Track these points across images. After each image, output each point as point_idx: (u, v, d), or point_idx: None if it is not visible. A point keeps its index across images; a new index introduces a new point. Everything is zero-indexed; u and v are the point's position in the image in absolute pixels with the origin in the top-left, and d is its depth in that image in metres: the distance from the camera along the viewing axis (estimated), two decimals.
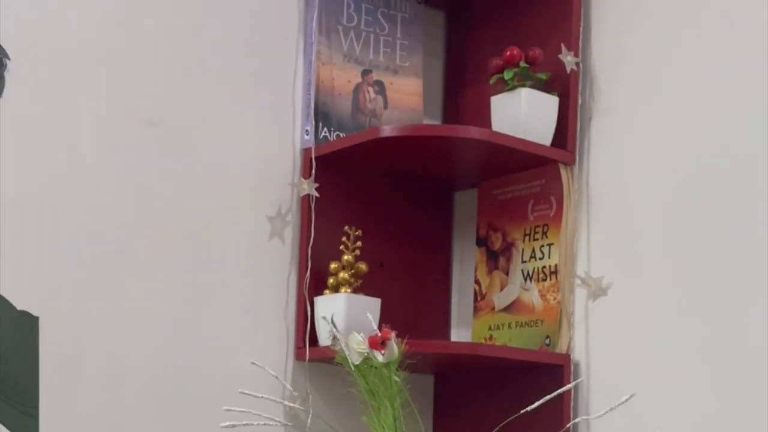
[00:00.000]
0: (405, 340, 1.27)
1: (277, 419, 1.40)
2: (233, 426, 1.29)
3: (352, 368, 1.28)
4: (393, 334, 1.24)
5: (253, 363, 1.47)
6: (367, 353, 1.26)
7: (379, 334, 1.25)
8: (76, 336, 1.57)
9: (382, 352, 1.24)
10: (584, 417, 1.40)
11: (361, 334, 1.27)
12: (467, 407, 1.88)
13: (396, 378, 1.27)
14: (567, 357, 1.73)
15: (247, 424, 1.35)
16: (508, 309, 1.83)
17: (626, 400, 1.30)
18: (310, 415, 1.75)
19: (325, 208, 1.78)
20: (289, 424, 1.62)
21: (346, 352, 1.26)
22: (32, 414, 1.51)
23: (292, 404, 1.52)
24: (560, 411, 1.69)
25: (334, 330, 1.28)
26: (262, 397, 1.41)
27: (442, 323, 1.94)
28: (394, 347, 1.25)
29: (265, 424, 1.29)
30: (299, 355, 1.76)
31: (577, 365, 1.73)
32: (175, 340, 1.66)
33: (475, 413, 1.85)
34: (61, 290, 1.56)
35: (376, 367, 1.28)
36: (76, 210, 1.59)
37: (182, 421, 1.66)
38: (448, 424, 1.89)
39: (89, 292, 1.59)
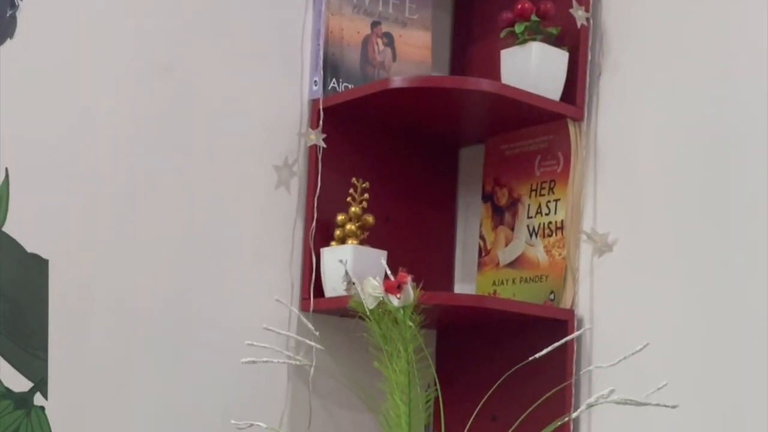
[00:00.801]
0: (420, 285, 1.30)
1: (298, 358, 1.43)
2: (253, 362, 1.32)
3: (367, 313, 1.31)
4: (409, 278, 1.27)
5: (267, 327, 1.49)
6: (383, 298, 1.29)
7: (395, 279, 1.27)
8: (86, 279, 1.58)
9: (398, 296, 1.27)
10: (597, 365, 1.42)
11: (377, 278, 1.29)
12: (469, 362, 1.91)
13: (410, 323, 1.29)
14: (571, 312, 1.76)
15: (267, 361, 1.37)
16: (512, 264, 1.86)
17: (641, 349, 1.33)
18: (313, 367, 1.79)
19: (332, 160, 1.80)
20: (311, 363, 1.65)
21: (361, 297, 1.29)
22: (41, 357, 1.53)
23: (297, 360, 1.54)
24: (563, 366, 1.72)
25: (350, 274, 1.31)
26: (268, 347, 1.44)
27: (446, 278, 1.97)
28: (410, 291, 1.27)
29: (284, 362, 1.31)
30: (304, 306, 1.79)
31: (581, 321, 1.76)
32: (181, 285, 1.68)
33: (477, 368, 1.88)
34: (70, 233, 1.57)
35: (390, 312, 1.30)
36: (86, 153, 1.60)
37: (188, 364, 1.68)
38: (450, 378, 1.92)
39: (99, 236, 1.60)
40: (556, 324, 1.75)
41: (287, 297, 1.79)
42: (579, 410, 1.37)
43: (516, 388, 1.75)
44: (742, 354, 1.56)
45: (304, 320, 1.44)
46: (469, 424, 1.58)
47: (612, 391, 1.28)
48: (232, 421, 1.56)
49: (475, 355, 1.90)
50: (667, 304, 1.67)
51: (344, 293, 1.70)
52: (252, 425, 1.49)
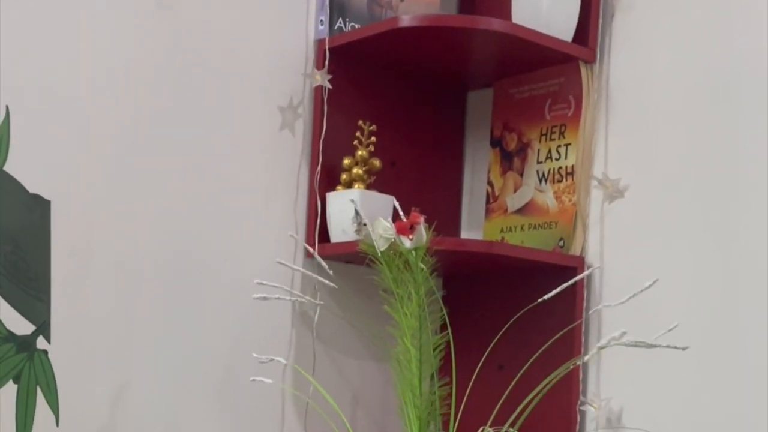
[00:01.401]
0: (433, 226, 1.29)
1: (307, 297, 1.43)
2: (265, 298, 1.31)
3: (378, 255, 1.30)
4: (422, 219, 1.26)
5: (280, 261, 1.49)
6: (394, 239, 1.28)
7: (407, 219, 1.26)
8: (89, 221, 1.57)
9: (410, 237, 1.26)
10: (606, 304, 1.42)
11: (388, 219, 1.28)
12: (476, 311, 1.90)
13: (422, 265, 1.29)
14: (581, 260, 1.75)
15: (278, 298, 1.37)
16: (521, 211, 1.85)
17: (650, 285, 1.33)
18: (318, 311, 1.78)
19: (337, 102, 1.78)
20: (321, 302, 1.65)
21: (372, 238, 1.28)
22: (43, 299, 1.52)
23: (306, 298, 1.54)
24: (572, 313, 1.72)
25: (361, 215, 1.29)
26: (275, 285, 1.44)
27: (453, 225, 1.96)
28: (423, 232, 1.26)
29: (294, 300, 1.31)
30: (309, 252, 1.78)
31: (590, 268, 1.76)
32: (184, 228, 1.67)
33: (484, 317, 1.88)
34: (73, 174, 1.56)
35: (401, 254, 1.29)
36: (88, 93, 1.58)
37: (191, 308, 1.67)
38: (457, 328, 1.92)
39: (102, 177, 1.59)
40: (566, 272, 1.74)
41: (292, 242, 1.78)
42: (590, 353, 1.36)
43: (523, 337, 1.75)
44: (752, 298, 1.56)
45: (316, 255, 1.43)
46: (475, 372, 1.58)
47: (624, 333, 1.27)
48: (254, 354, 1.56)
49: (483, 303, 1.89)
50: (678, 251, 1.66)
51: (350, 239, 1.70)
52: (272, 359, 1.49)
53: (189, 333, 1.67)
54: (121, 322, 1.60)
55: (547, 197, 1.81)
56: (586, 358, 1.41)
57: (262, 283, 1.38)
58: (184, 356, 1.67)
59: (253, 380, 1.52)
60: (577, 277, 1.43)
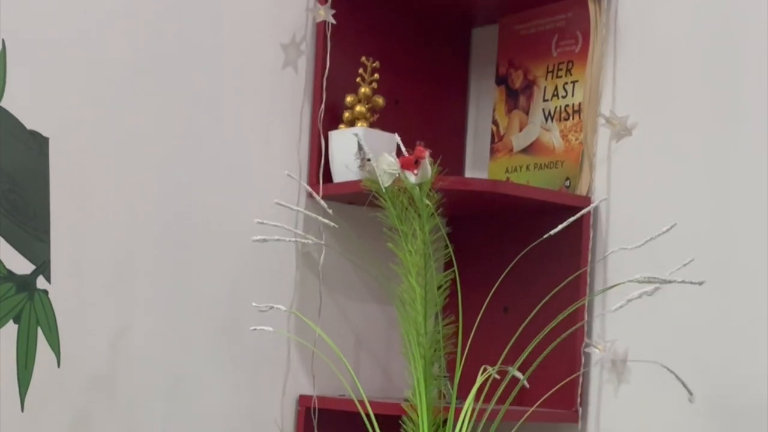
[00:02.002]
0: (438, 161, 1.28)
1: (309, 237, 1.42)
2: (264, 240, 1.31)
3: (382, 191, 1.29)
4: (427, 153, 1.24)
5: (278, 203, 1.47)
6: (398, 174, 1.27)
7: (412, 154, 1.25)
8: (88, 159, 1.56)
9: (415, 172, 1.25)
10: (622, 247, 1.41)
11: (392, 154, 1.27)
12: (480, 253, 1.90)
13: (427, 201, 1.28)
14: (587, 199, 1.75)
15: (278, 239, 1.36)
16: (526, 150, 1.84)
17: (667, 230, 1.32)
18: (323, 253, 1.78)
19: (341, 39, 1.76)
20: (322, 242, 1.65)
21: (377, 174, 1.27)
22: (43, 239, 1.52)
23: (308, 238, 1.53)
24: (578, 254, 1.72)
25: (364, 149, 1.28)
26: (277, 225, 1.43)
27: (457, 165, 1.96)
28: (428, 167, 1.25)
29: (296, 241, 1.30)
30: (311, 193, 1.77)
31: (597, 208, 1.75)
32: (185, 165, 1.67)
33: (488, 259, 1.88)
34: (71, 111, 1.55)
35: (406, 190, 1.28)
36: (88, 28, 1.56)
37: (193, 250, 1.67)
38: (462, 268, 1.91)
39: (101, 115, 1.57)
40: (572, 212, 1.72)
41: (294, 182, 1.77)
42: (602, 290, 1.35)
43: (529, 280, 1.75)
44: (761, 234, 1.56)
45: (314, 194, 1.42)
46: (480, 313, 1.58)
47: (657, 289, 1.27)
48: (253, 303, 1.55)
49: (487, 245, 1.89)
50: (686, 189, 1.65)
51: (353, 177, 1.69)
52: (272, 307, 1.49)
53: (190, 275, 1.67)
54: (122, 263, 1.60)
55: (553, 136, 1.79)
56: (597, 293, 1.40)
57: (262, 222, 1.37)
58: (186, 299, 1.67)
59: (254, 329, 1.52)
60: (584, 210, 1.42)
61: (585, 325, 1.72)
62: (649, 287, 1.26)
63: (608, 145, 1.75)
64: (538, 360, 1.38)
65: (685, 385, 1.37)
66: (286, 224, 1.60)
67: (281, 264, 1.77)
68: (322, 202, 1.40)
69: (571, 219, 1.39)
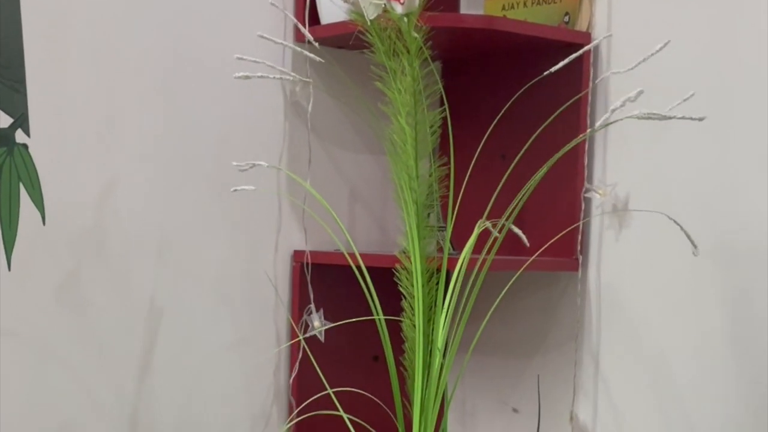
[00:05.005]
0: None
1: (292, 74, 1.42)
2: (247, 77, 1.31)
3: (367, 25, 1.29)
4: None
5: (261, 35, 1.47)
6: (385, 5, 1.26)
7: None
8: (63, 7, 1.55)
9: (401, 1, 1.24)
10: (614, 71, 1.42)
11: None
12: (477, 97, 1.91)
13: (415, 34, 1.28)
14: (587, 35, 1.75)
15: (262, 77, 1.37)
16: None
17: (661, 48, 1.32)
18: (311, 100, 1.79)
19: None
20: (309, 80, 1.65)
21: (361, 5, 1.26)
22: (19, 90, 1.52)
23: (292, 75, 1.53)
24: (578, 91, 1.73)
25: None
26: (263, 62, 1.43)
27: (452, 2, 1.95)
28: None
29: (281, 78, 1.30)
30: (299, 36, 1.77)
31: (598, 45, 1.75)
32: (166, 16, 1.66)
33: (485, 102, 1.89)
34: None
35: (394, 23, 1.28)
36: None
37: (179, 102, 1.68)
38: (458, 116, 1.92)
39: None
40: (572, 49, 1.71)
41: (280, 27, 1.76)
42: (601, 120, 1.36)
43: (527, 125, 1.76)
44: (765, 66, 1.56)
45: (301, 28, 1.42)
46: (475, 157, 1.59)
47: (640, 92, 1.27)
48: (233, 163, 1.57)
49: (483, 88, 1.90)
50: (693, 24, 1.64)
51: (342, 19, 1.68)
52: (254, 165, 1.50)
53: (177, 130, 1.68)
54: (104, 112, 1.61)
55: None
56: (598, 126, 1.41)
57: (241, 58, 1.37)
58: (173, 150, 1.68)
59: (235, 190, 1.54)
60: (585, 48, 1.42)
61: (585, 169, 1.74)
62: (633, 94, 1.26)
63: None
64: (524, 198, 1.40)
65: (689, 237, 1.39)
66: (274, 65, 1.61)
67: (269, 115, 1.78)
68: (308, 35, 1.39)
69: (572, 56, 1.39)
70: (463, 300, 1.39)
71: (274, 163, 1.79)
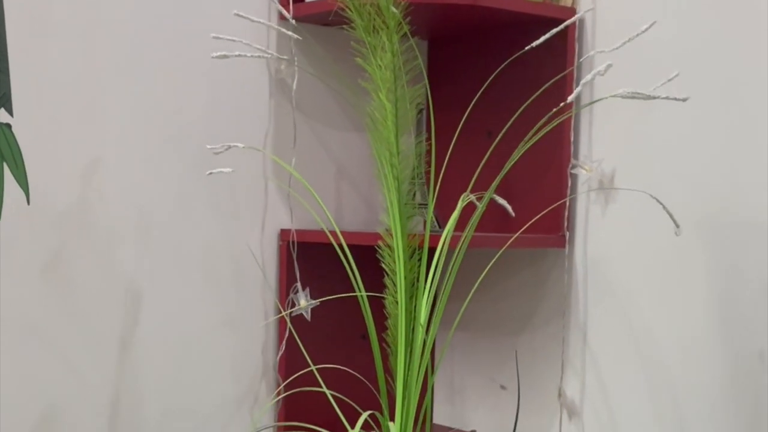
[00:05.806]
0: None
1: (270, 52, 1.43)
2: (225, 56, 1.32)
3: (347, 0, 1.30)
4: None
5: (237, 14, 1.48)
6: None
7: None
8: None
9: None
10: (599, 50, 1.42)
11: None
12: (463, 75, 1.92)
13: (394, 9, 1.29)
14: (572, 11, 1.75)
15: (239, 55, 1.38)
16: None
17: (647, 28, 1.32)
18: (296, 77, 1.80)
19: None
20: (286, 57, 1.65)
21: None
22: (2, 69, 1.52)
23: (270, 53, 1.54)
24: (563, 67, 1.74)
25: None
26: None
27: None
28: None
29: (260, 56, 1.31)
30: (282, 14, 1.78)
31: (582, 21, 1.76)
32: None
33: (471, 80, 1.90)
34: None
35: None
36: None
37: (159, 79, 1.69)
38: (443, 94, 1.94)
39: None
40: (556, 25, 1.72)
41: (264, 6, 1.77)
42: (575, 93, 1.37)
43: (512, 102, 1.78)
44: (753, 48, 1.56)
45: (278, 6, 1.42)
46: (456, 133, 1.60)
47: (609, 66, 1.27)
48: (208, 146, 1.58)
49: (468, 65, 1.91)
50: (675, 3, 1.65)
51: None
52: (230, 147, 1.51)
53: (162, 103, 1.69)
54: (88, 92, 1.61)
55: None
56: (582, 107, 1.42)
57: (218, 37, 1.37)
58: (157, 129, 1.69)
59: (211, 173, 1.54)
60: (568, 21, 1.42)
61: (571, 145, 1.76)
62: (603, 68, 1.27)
63: None
64: (507, 167, 1.41)
65: (672, 217, 1.40)
66: (251, 44, 1.62)
67: (255, 94, 1.79)
68: (285, 13, 1.40)
69: (554, 30, 1.40)
70: (447, 276, 1.41)
71: (260, 142, 1.80)
